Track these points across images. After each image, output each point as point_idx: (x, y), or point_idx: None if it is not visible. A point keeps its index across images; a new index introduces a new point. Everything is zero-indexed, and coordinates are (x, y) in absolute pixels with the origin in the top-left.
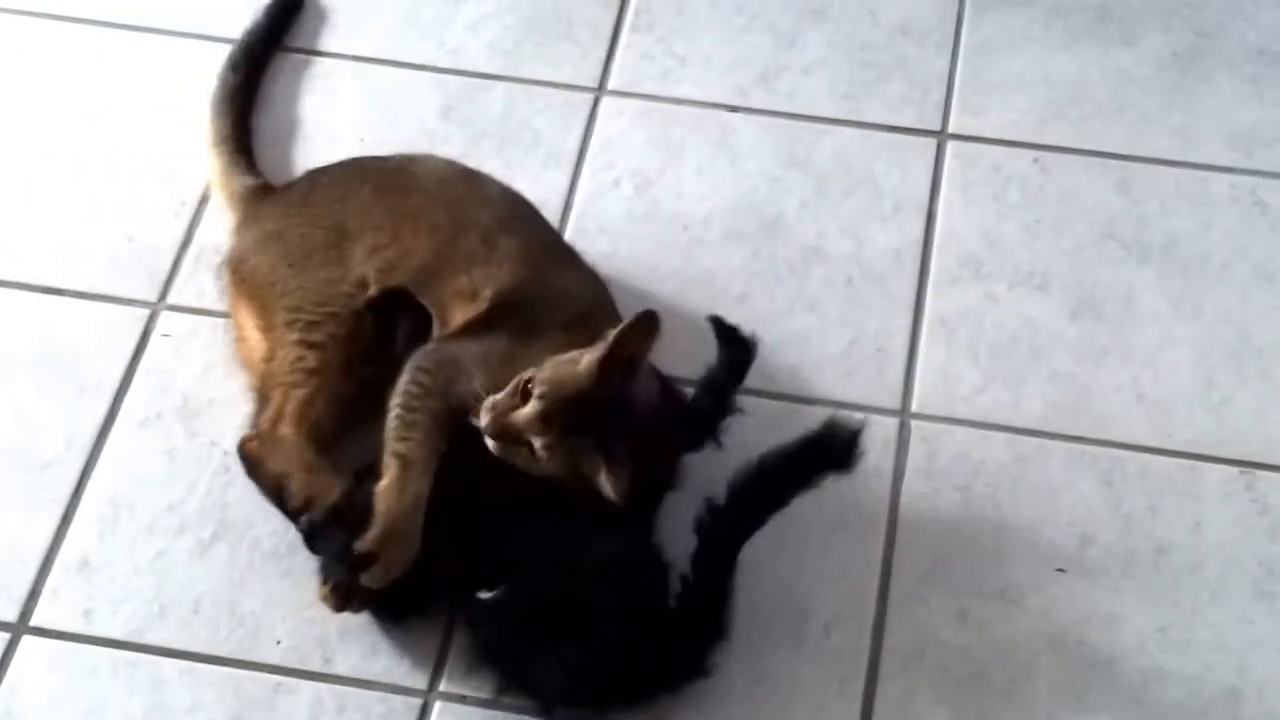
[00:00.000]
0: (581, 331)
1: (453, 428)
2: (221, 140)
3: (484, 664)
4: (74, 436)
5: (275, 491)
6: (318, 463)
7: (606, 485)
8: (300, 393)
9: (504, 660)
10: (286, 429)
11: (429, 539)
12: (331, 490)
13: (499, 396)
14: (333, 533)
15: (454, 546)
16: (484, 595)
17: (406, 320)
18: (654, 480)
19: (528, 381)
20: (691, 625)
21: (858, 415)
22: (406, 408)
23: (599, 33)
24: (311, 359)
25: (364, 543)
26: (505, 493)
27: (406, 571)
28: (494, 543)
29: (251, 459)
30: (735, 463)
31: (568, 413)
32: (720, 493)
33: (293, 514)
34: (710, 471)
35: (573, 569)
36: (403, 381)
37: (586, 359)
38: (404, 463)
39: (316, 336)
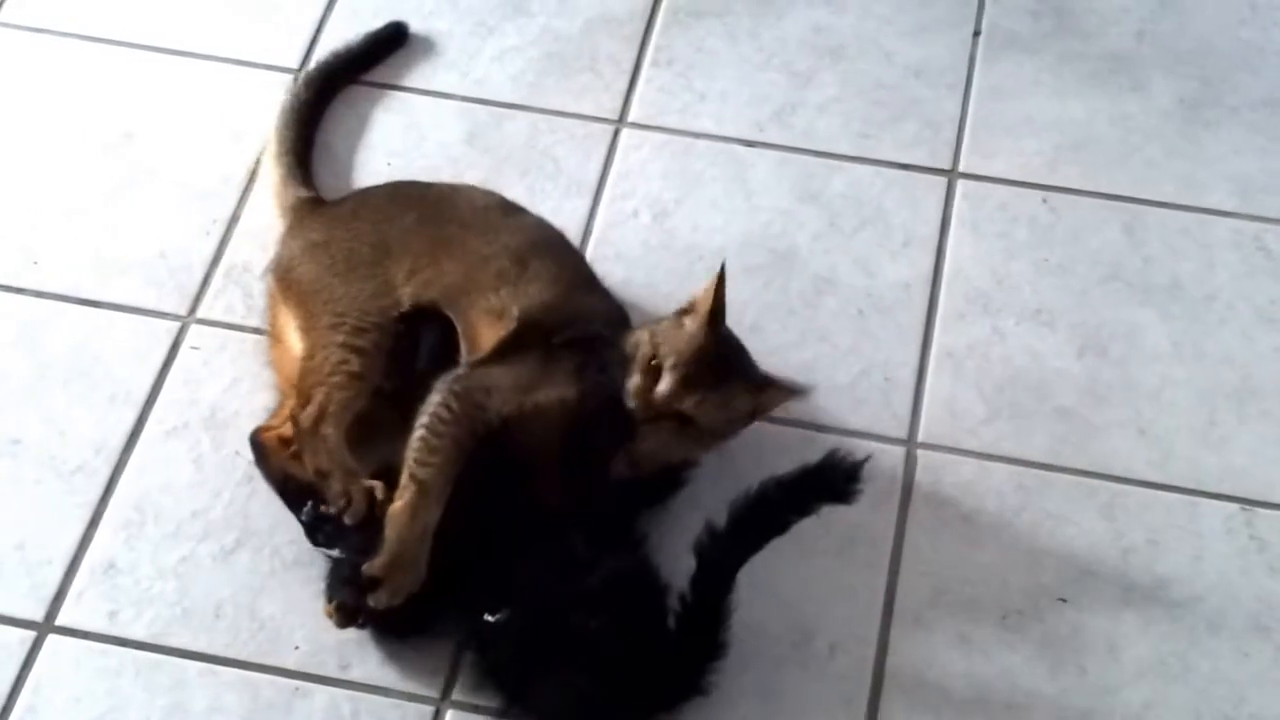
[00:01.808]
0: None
1: (471, 454)
2: (284, 153)
3: (488, 684)
4: (103, 443)
5: (281, 483)
6: (356, 466)
7: (776, 401)
8: (343, 394)
9: (507, 681)
10: (329, 429)
11: (435, 563)
12: (368, 497)
13: (635, 381)
14: (334, 527)
15: (458, 570)
16: (489, 618)
17: (430, 335)
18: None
19: (651, 359)
20: (689, 645)
21: (866, 444)
22: (432, 431)
23: (621, 67)
24: (355, 363)
25: (371, 566)
26: (506, 517)
27: (412, 594)
28: (496, 566)
29: (264, 450)
30: (740, 486)
31: (702, 370)
32: (721, 516)
33: (307, 510)
34: (714, 493)
35: (572, 592)
36: (431, 403)
37: (688, 320)
38: (421, 489)
39: (361, 342)
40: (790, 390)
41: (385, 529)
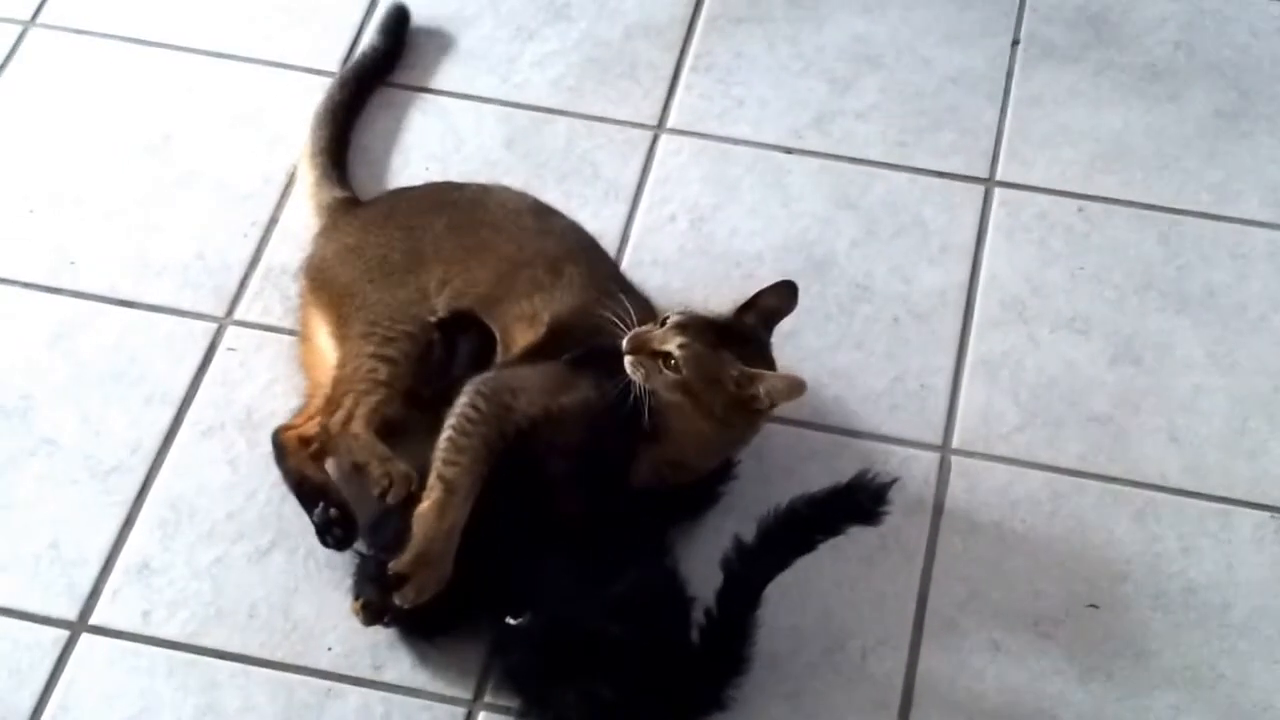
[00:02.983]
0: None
1: (500, 454)
2: (319, 152)
3: (508, 687)
4: (139, 443)
5: (297, 482)
6: (391, 454)
7: (777, 391)
8: (371, 400)
9: (528, 686)
10: (358, 427)
11: (461, 563)
12: (408, 481)
13: (641, 328)
14: (344, 531)
15: (483, 572)
16: (512, 621)
17: (468, 341)
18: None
19: (667, 316)
20: (711, 659)
21: (900, 449)
22: (460, 431)
23: (660, 73)
24: (384, 372)
25: (397, 564)
26: (533, 521)
27: (438, 594)
28: (521, 570)
29: (284, 447)
30: (773, 493)
31: (702, 327)
32: (753, 521)
33: (319, 512)
34: (747, 499)
35: (596, 600)
36: (459, 405)
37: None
38: (448, 488)
39: (390, 351)
40: (790, 382)
41: (412, 527)
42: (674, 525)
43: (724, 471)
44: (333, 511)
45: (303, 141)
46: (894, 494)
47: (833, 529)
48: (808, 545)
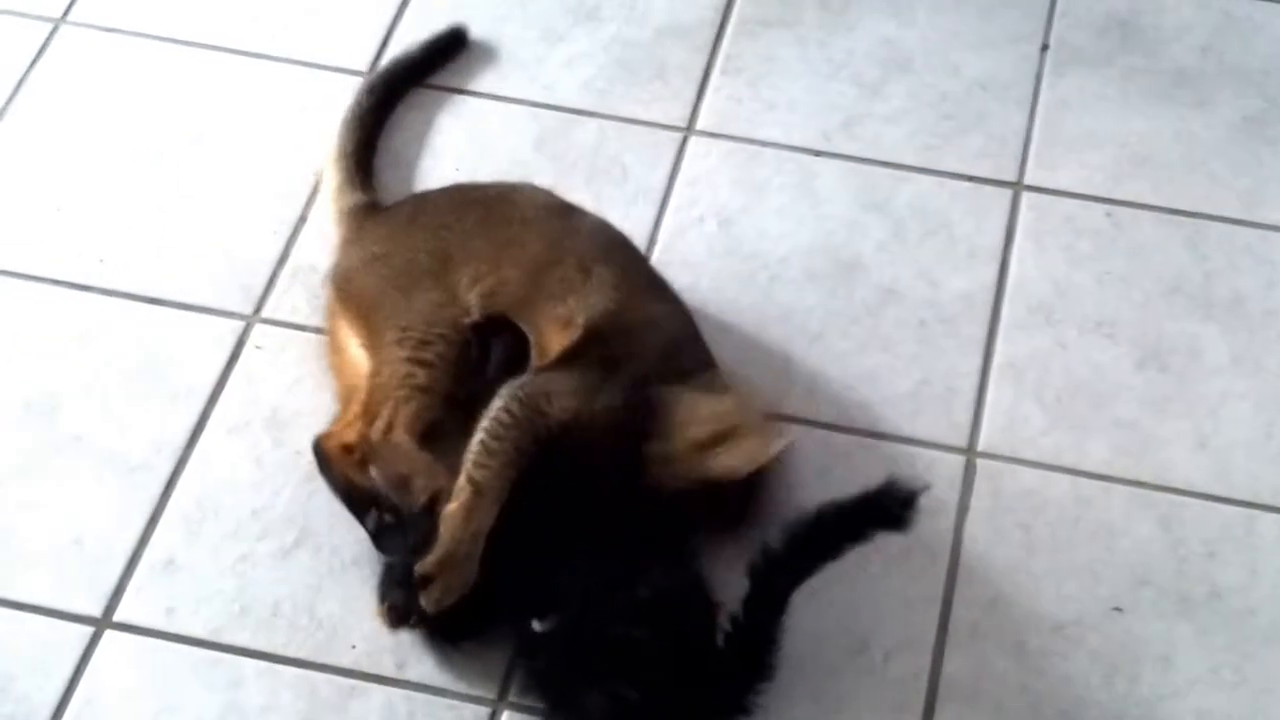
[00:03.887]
0: (667, 360)
1: (532, 460)
2: (344, 156)
3: (534, 691)
4: (165, 440)
5: (345, 490)
6: (435, 463)
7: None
8: (410, 407)
9: (553, 690)
10: (400, 436)
11: (487, 567)
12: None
13: None
14: (400, 538)
15: (508, 575)
16: (537, 625)
17: (502, 344)
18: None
19: None
20: (736, 665)
21: (925, 452)
22: (492, 434)
23: (690, 75)
24: (421, 376)
25: (423, 565)
26: (560, 524)
27: (464, 597)
28: (546, 573)
29: (327, 457)
30: (800, 494)
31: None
32: (780, 525)
33: (372, 518)
34: (775, 501)
35: (621, 604)
36: (493, 408)
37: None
38: (477, 490)
39: (426, 355)
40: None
41: (440, 528)
42: (703, 532)
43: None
44: (387, 517)
45: (330, 145)
46: (921, 499)
47: (861, 536)
48: (835, 552)
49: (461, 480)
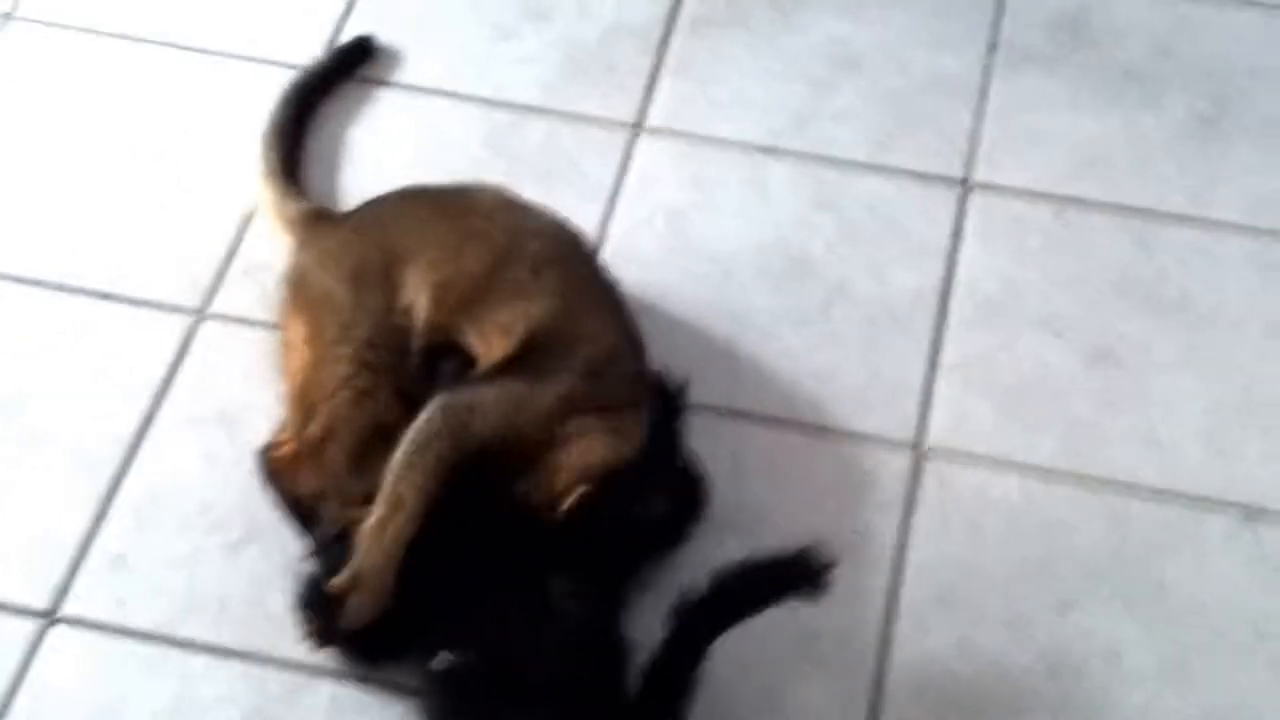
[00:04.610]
0: (595, 378)
1: (457, 473)
2: (272, 173)
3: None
4: (115, 435)
5: (292, 504)
6: (355, 494)
7: None
8: (349, 411)
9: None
10: (334, 450)
11: (403, 587)
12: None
13: None
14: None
15: (416, 601)
16: (434, 664)
17: (450, 367)
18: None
19: None
20: (646, 714)
21: (875, 448)
22: (414, 446)
23: (640, 73)
24: (362, 379)
25: (337, 581)
26: (475, 549)
27: (381, 614)
28: (452, 604)
29: (274, 469)
30: (748, 493)
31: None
32: (720, 541)
33: (312, 533)
34: (719, 504)
35: (529, 644)
36: (419, 419)
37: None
38: (394, 504)
39: (369, 357)
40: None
41: (356, 543)
42: (634, 564)
43: (691, 510)
44: (333, 531)
45: (256, 163)
46: (865, 491)
47: (772, 601)
48: (751, 611)
49: (381, 493)
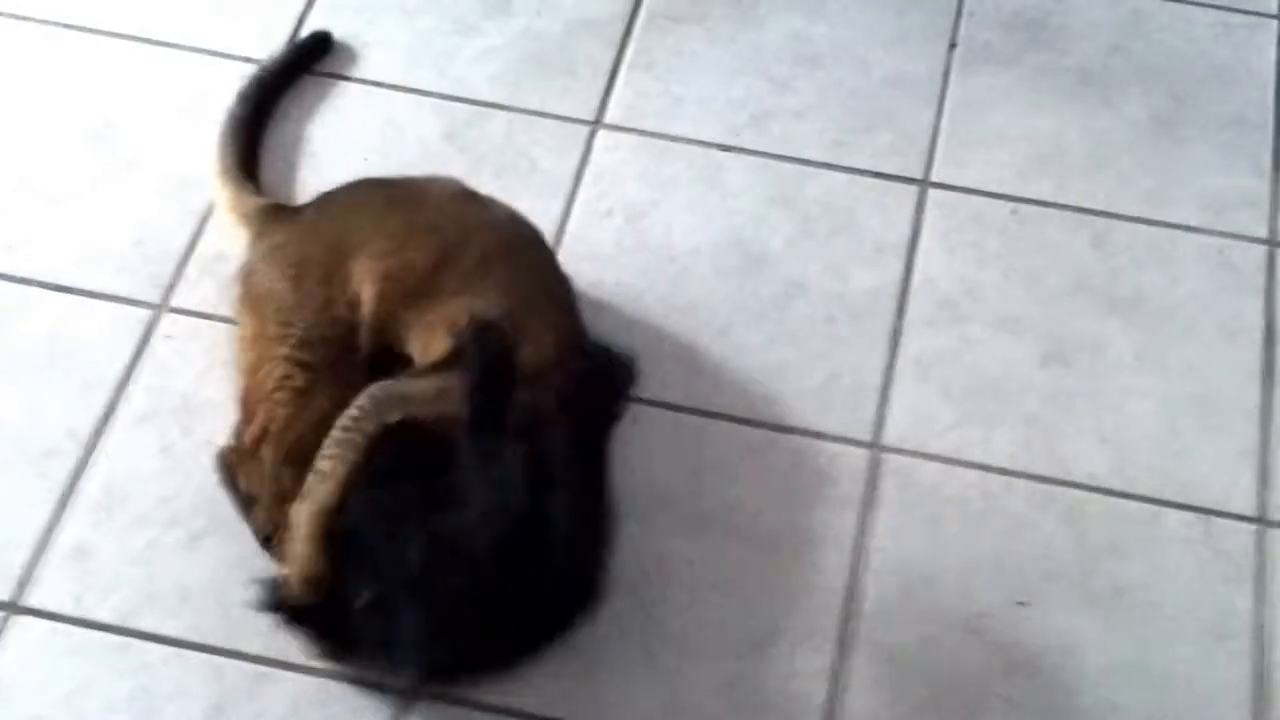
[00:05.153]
0: (528, 384)
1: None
2: (227, 170)
3: (350, 655)
4: (74, 428)
5: (244, 502)
6: (288, 496)
7: None
8: (284, 412)
9: (367, 645)
10: (268, 451)
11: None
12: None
13: None
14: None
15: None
16: (359, 603)
17: (399, 365)
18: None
19: None
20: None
21: (832, 445)
22: (343, 428)
23: (599, 69)
24: (299, 378)
25: (280, 564)
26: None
27: (319, 586)
28: (370, 550)
29: (225, 467)
30: (705, 488)
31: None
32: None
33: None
34: (675, 500)
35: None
36: (349, 409)
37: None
38: (319, 476)
39: (306, 356)
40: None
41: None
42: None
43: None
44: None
45: (212, 160)
46: (823, 489)
47: None
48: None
49: (311, 474)
